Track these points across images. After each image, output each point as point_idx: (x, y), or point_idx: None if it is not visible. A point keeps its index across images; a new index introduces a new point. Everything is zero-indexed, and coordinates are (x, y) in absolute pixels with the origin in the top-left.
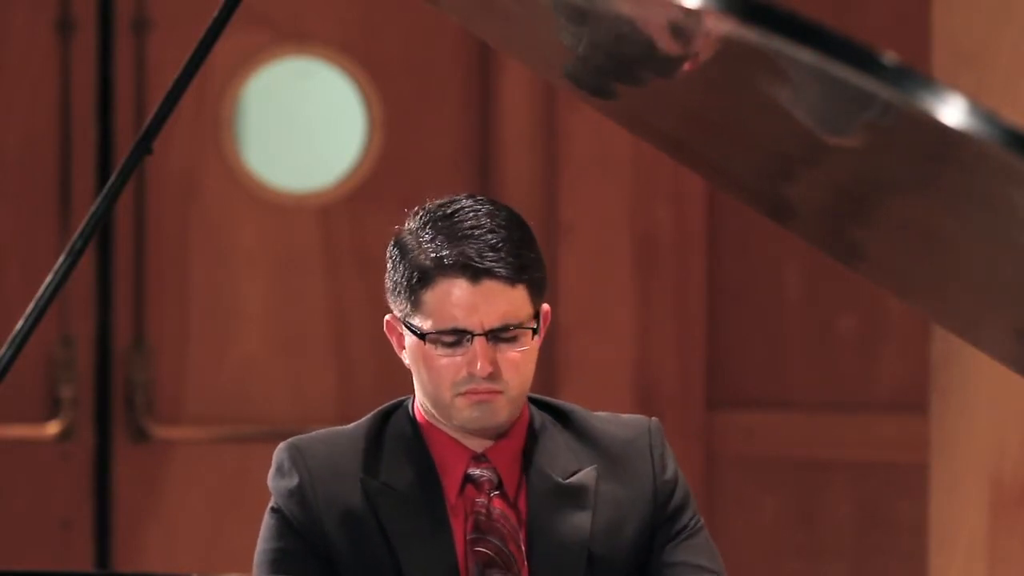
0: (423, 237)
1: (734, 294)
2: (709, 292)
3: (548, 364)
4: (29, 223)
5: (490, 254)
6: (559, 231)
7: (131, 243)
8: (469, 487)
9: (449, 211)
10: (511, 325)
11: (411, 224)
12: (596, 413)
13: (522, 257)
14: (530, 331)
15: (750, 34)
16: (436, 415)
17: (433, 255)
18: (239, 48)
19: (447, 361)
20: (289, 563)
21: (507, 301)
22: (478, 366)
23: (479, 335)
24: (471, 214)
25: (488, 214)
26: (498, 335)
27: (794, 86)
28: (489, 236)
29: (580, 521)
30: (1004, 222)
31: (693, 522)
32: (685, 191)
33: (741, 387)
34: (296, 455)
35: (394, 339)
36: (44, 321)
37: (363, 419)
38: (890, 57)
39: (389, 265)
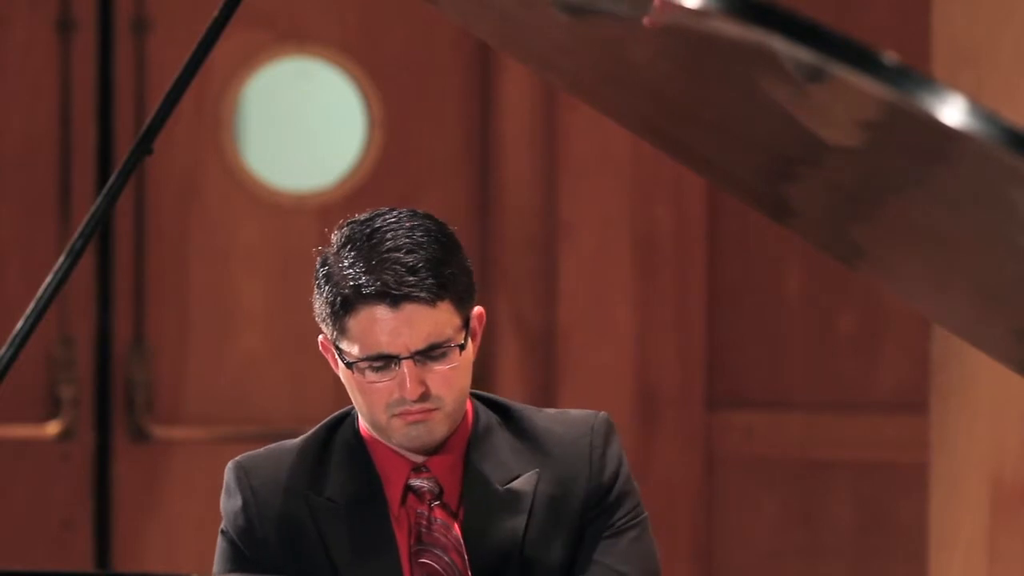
0: (343, 261)
1: (734, 294)
2: (709, 292)
3: (548, 364)
4: (29, 223)
5: (409, 279)
6: (559, 231)
7: (131, 243)
8: (411, 498)
9: (368, 230)
10: (437, 344)
11: (333, 244)
12: (545, 411)
13: (441, 275)
14: (458, 347)
15: (750, 34)
16: (375, 433)
17: (352, 283)
18: (239, 48)
19: (378, 385)
20: None
21: (431, 322)
22: (408, 389)
23: (406, 358)
24: (389, 234)
25: (407, 232)
26: (425, 355)
27: (794, 86)
28: (408, 258)
29: (515, 525)
30: (1004, 222)
31: (622, 522)
32: (685, 191)
33: (741, 387)
34: (240, 474)
35: (329, 358)
36: (44, 321)
37: (311, 432)
38: (890, 57)
39: (315, 288)
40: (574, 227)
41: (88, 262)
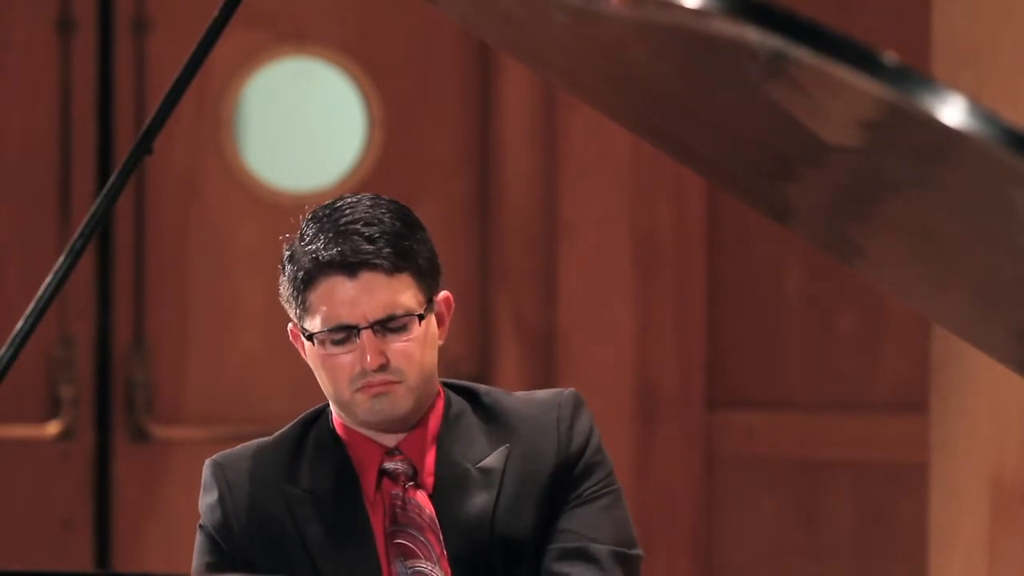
0: (305, 239)
1: (734, 294)
2: (709, 292)
3: (548, 364)
4: (29, 223)
5: (366, 247)
6: (559, 231)
7: (131, 243)
8: (385, 481)
9: (328, 210)
10: (396, 315)
11: (299, 231)
12: (514, 393)
13: (400, 246)
14: (416, 318)
15: (750, 34)
16: (343, 416)
17: (312, 256)
18: (239, 48)
19: (341, 360)
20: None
21: (389, 291)
22: (368, 359)
23: (365, 328)
24: (348, 211)
25: (367, 208)
26: (385, 325)
27: (794, 86)
28: (365, 229)
29: (484, 503)
30: (1004, 222)
31: (590, 492)
32: (685, 191)
33: (741, 387)
34: (217, 471)
35: (298, 345)
36: (44, 321)
37: (286, 428)
38: (890, 57)
39: (281, 274)
40: (574, 227)
41: (88, 262)
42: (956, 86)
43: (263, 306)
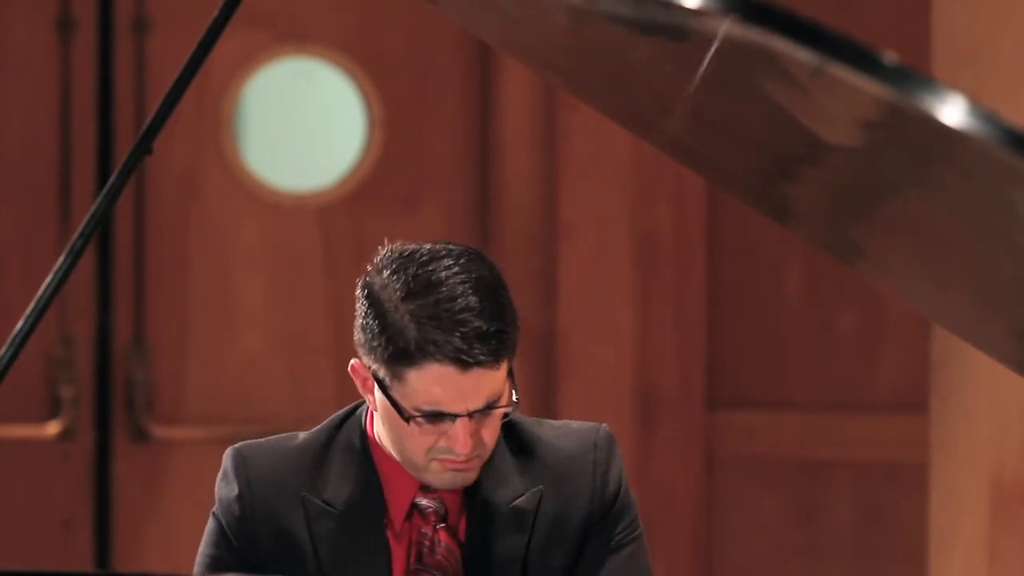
0: (405, 307)
1: (734, 294)
2: (709, 292)
3: (548, 364)
4: (29, 223)
5: (479, 346)
6: (559, 231)
7: (131, 243)
8: (416, 516)
9: (425, 278)
10: (494, 403)
11: (385, 278)
12: (545, 422)
13: (508, 337)
14: (511, 404)
15: (750, 34)
16: (398, 458)
17: (418, 337)
18: (239, 48)
19: (426, 435)
20: (220, 570)
21: (492, 383)
22: (459, 444)
23: (462, 416)
24: (455, 288)
25: (472, 286)
26: (482, 412)
27: (794, 86)
28: (477, 323)
29: (516, 543)
30: (1004, 222)
31: (620, 537)
32: (685, 191)
33: (741, 387)
34: (239, 463)
35: (359, 382)
36: (44, 321)
37: (315, 429)
38: (890, 57)
39: (361, 320)
40: (574, 227)
41: (88, 262)
42: (956, 86)
43: (263, 306)
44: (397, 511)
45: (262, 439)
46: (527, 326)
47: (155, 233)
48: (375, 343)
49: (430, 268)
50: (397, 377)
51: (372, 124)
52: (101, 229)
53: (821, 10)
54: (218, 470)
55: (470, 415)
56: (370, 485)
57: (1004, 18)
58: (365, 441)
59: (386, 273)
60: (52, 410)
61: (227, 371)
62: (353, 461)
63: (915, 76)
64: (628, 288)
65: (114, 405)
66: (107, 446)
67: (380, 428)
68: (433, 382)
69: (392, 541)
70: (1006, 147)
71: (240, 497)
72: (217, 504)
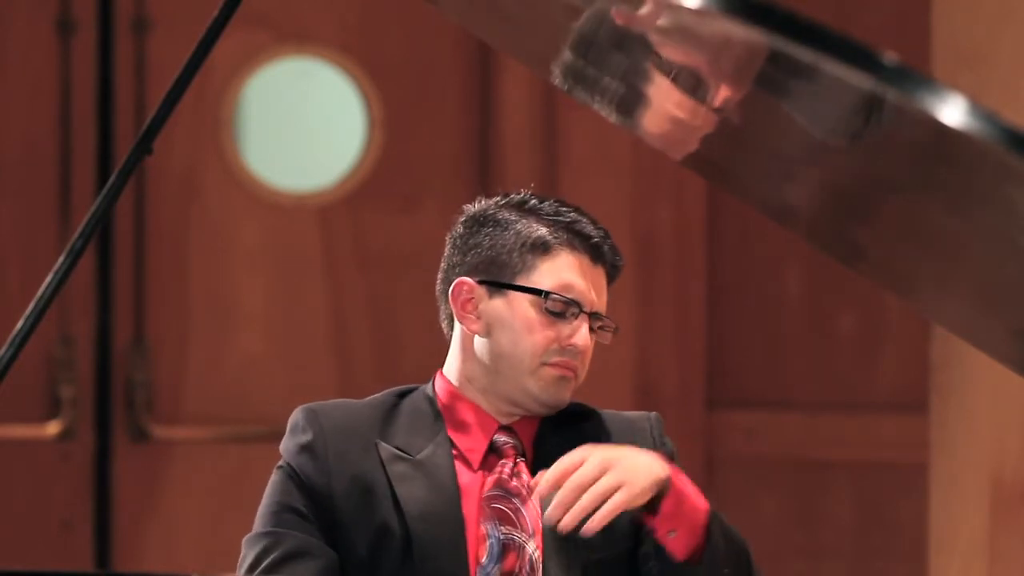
0: (538, 211)
1: (734, 294)
2: (709, 292)
3: None
4: (29, 223)
5: (607, 246)
6: None
7: (131, 243)
8: (492, 456)
9: (540, 202)
10: (605, 318)
11: (491, 205)
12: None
13: (621, 260)
14: (612, 329)
15: (750, 34)
16: (496, 383)
17: (552, 230)
18: (239, 48)
19: (547, 329)
20: (290, 517)
21: (606, 295)
22: (580, 337)
23: (587, 312)
24: (564, 205)
25: (578, 211)
26: (596, 320)
27: (794, 86)
28: (599, 230)
29: None
30: (1004, 222)
31: None
32: (685, 191)
33: (741, 387)
34: (311, 416)
35: (458, 306)
36: (44, 321)
37: (377, 395)
38: (890, 57)
39: (468, 241)
40: None
41: (88, 262)
42: (956, 86)
43: (263, 306)
44: (476, 451)
45: (325, 401)
46: None
47: (155, 233)
48: (497, 249)
49: (532, 197)
50: (528, 267)
51: (372, 124)
52: (101, 229)
53: (821, 10)
54: (218, 470)
55: (591, 315)
56: (439, 437)
57: (1004, 18)
58: (433, 403)
59: (488, 205)
60: (52, 410)
61: (227, 371)
62: (421, 419)
63: (915, 76)
64: (628, 288)
65: (114, 405)
66: (107, 446)
67: (480, 357)
68: (567, 268)
69: (469, 482)
70: (1006, 147)
71: (314, 442)
72: (286, 456)
